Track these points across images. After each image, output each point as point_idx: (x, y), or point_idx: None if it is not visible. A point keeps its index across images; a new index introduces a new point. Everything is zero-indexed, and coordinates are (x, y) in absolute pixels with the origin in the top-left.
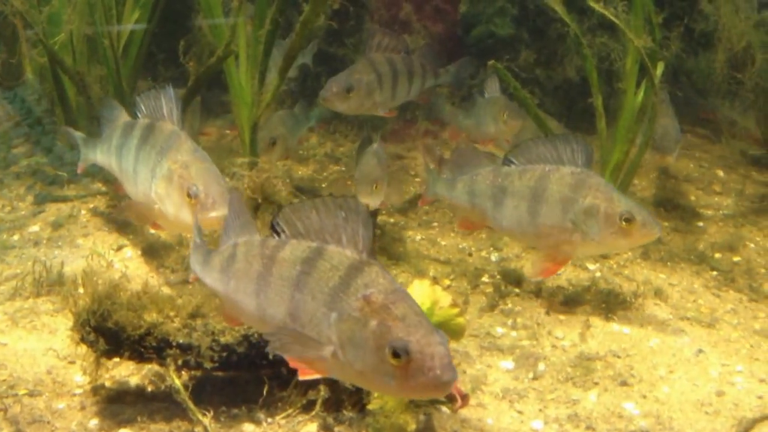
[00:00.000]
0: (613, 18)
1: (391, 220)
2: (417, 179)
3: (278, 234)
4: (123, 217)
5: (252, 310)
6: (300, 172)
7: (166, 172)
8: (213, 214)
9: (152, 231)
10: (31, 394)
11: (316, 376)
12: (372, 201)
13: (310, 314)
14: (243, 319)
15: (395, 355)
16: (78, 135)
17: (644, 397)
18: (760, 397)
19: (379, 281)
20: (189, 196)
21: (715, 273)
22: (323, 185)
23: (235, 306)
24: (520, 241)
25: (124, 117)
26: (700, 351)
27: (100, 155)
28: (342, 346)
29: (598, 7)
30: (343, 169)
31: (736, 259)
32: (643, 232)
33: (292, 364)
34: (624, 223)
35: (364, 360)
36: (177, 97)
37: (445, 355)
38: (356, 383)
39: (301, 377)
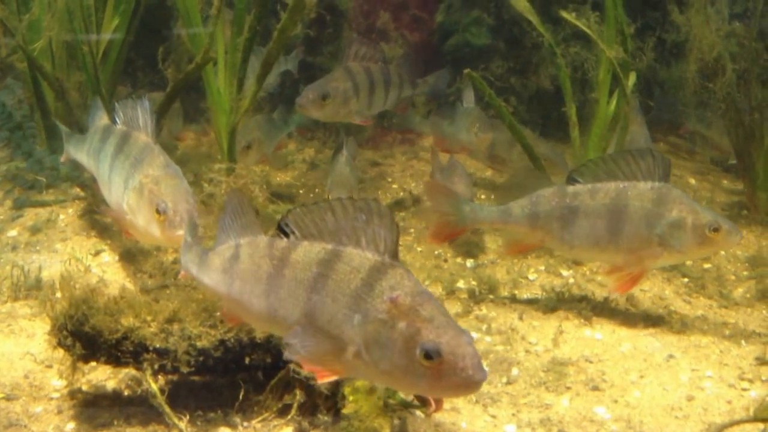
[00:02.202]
0: (586, 29)
1: None
2: (394, 186)
3: (286, 235)
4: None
5: (261, 311)
6: (278, 178)
7: (138, 185)
8: (180, 232)
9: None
10: (8, 398)
11: (334, 377)
12: None
13: (329, 316)
14: (247, 320)
15: (427, 356)
16: (64, 129)
17: (615, 401)
18: (729, 402)
19: (404, 283)
20: (158, 212)
21: (686, 280)
22: (300, 191)
23: (239, 306)
24: (592, 259)
25: (104, 119)
26: (671, 356)
27: (81, 153)
28: (367, 347)
29: (572, 18)
30: (320, 175)
31: (706, 266)
32: (729, 239)
33: (308, 368)
34: (711, 232)
35: (391, 361)
36: (152, 109)
37: (475, 354)
38: (381, 383)
39: (320, 380)
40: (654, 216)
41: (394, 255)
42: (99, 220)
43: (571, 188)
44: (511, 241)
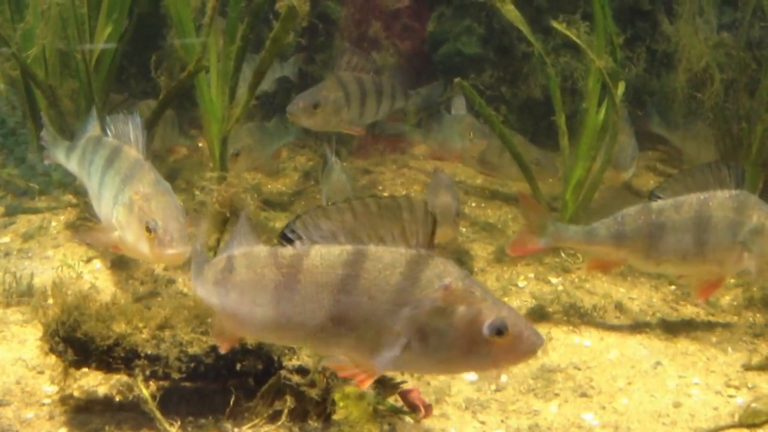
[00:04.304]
0: (575, 39)
1: None
2: (385, 194)
3: (290, 242)
4: (84, 241)
5: (267, 321)
6: (269, 186)
7: (128, 201)
8: (170, 251)
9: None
10: None
11: (375, 378)
12: None
13: (365, 314)
14: (246, 332)
15: (498, 333)
16: (51, 133)
17: (603, 408)
18: (715, 409)
19: (450, 270)
20: (148, 229)
21: (673, 287)
22: (293, 199)
23: (235, 318)
24: (677, 272)
25: (96, 130)
26: (658, 363)
27: (71, 162)
28: (422, 337)
29: (562, 28)
30: (313, 183)
31: None
32: None
33: (343, 374)
34: None
35: (453, 344)
36: (143, 125)
37: (529, 323)
38: (431, 371)
39: (363, 385)
40: (736, 224)
41: (430, 246)
42: (91, 227)
43: (655, 205)
44: (594, 260)
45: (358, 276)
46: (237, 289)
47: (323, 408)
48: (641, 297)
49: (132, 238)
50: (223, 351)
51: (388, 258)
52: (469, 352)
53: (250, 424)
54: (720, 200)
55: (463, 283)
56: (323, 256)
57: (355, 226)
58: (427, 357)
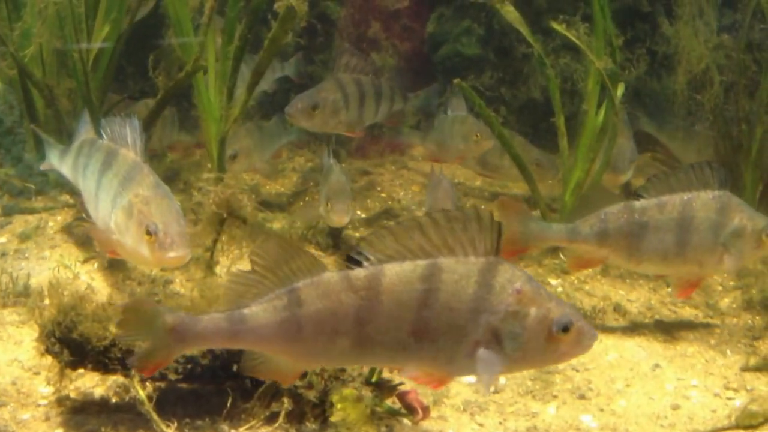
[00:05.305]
0: (575, 40)
1: (357, 235)
2: (383, 195)
3: (358, 264)
4: (90, 237)
5: (349, 347)
6: (268, 187)
7: (127, 204)
8: (171, 254)
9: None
10: None
11: (450, 381)
12: (346, 218)
13: (446, 326)
14: (320, 364)
15: (565, 330)
16: (47, 139)
17: (601, 410)
18: (713, 411)
19: (517, 274)
20: (148, 233)
21: (671, 289)
22: (292, 200)
23: (311, 352)
24: (658, 272)
25: (90, 132)
26: (657, 365)
27: (65, 167)
28: (499, 341)
29: (561, 29)
30: (312, 184)
31: None
32: None
33: (418, 382)
34: (766, 237)
35: (527, 345)
36: (142, 128)
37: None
38: (505, 372)
39: (439, 388)
40: (718, 225)
41: (496, 252)
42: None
43: (638, 204)
44: (575, 258)
45: (437, 289)
46: (312, 322)
47: (321, 410)
48: (640, 299)
49: (131, 242)
50: (285, 386)
51: (461, 268)
52: (539, 351)
53: (246, 426)
54: (703, 201)
55: (531, 285)
56: (399, 273)
57: (424, 241)
58: (500, 360)
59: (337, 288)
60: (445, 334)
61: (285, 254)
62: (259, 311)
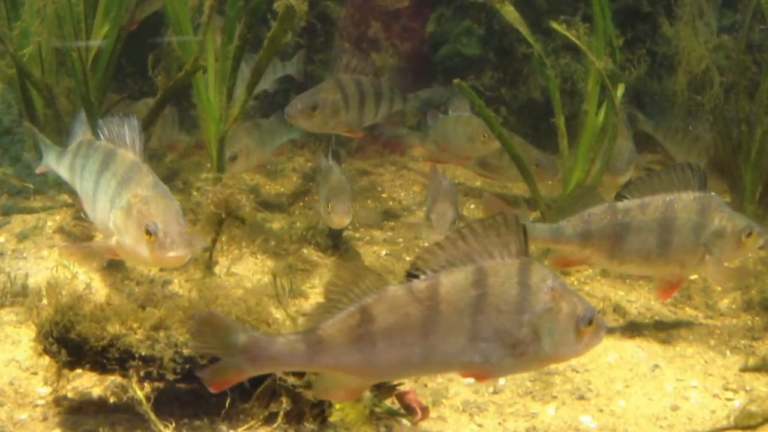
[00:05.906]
0: (575, 40)
1: (357, 235)
2: (384, 195)
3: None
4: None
5: (416, 358)
6: (268, 187)
7: (126, 204)
8: (170, 254)
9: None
10: None
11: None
12: (347, 219)
13: (495, 329)
14: (388, 377)
15: (589, 323)
16: (43, 140)
17: (601, 410)
18: (713, 412)
19: (546, 273)
20: (147, 233)
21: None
22: (291, 200)
23: (382, 367)
24: (640, 272)
25: (87, 134)
26: (656, 366)
27: (62, 168)
28: (538, 338)
29: (561, 30)
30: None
31: (692, 277)
32: (759, 242)
33: (464, 375)
34: (745, 237)
35: (558, 341)
36: (141, 128)
37: None
38: (532, 369)
39: (483, 381)
40: (700, 226)
41: (525, 254)
42: (87, 227)
43: (621, 205)
44: (559, 257)
45: (487, 294)
46: (385, 337)
47: (319, 410)
48: (640, 300)
49: (130, 242)
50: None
51: (503, 271)
52: (569, 344)
53: (245, 426)
54: (685, 202)
55: (559, 282)
56: (453, 281)
57: (468, 248)
58: (537, 356)
59: (404, 301)
60: (493, 337)
61: (354, 278)
62: (334, 331)
